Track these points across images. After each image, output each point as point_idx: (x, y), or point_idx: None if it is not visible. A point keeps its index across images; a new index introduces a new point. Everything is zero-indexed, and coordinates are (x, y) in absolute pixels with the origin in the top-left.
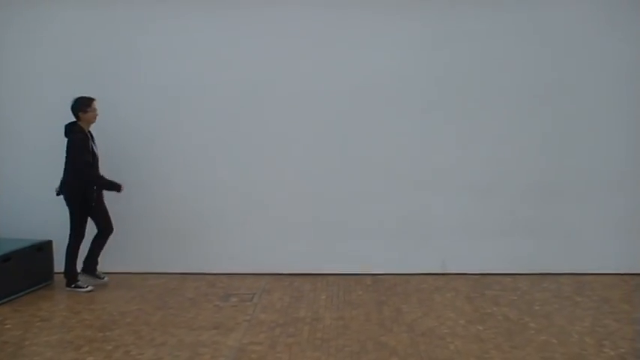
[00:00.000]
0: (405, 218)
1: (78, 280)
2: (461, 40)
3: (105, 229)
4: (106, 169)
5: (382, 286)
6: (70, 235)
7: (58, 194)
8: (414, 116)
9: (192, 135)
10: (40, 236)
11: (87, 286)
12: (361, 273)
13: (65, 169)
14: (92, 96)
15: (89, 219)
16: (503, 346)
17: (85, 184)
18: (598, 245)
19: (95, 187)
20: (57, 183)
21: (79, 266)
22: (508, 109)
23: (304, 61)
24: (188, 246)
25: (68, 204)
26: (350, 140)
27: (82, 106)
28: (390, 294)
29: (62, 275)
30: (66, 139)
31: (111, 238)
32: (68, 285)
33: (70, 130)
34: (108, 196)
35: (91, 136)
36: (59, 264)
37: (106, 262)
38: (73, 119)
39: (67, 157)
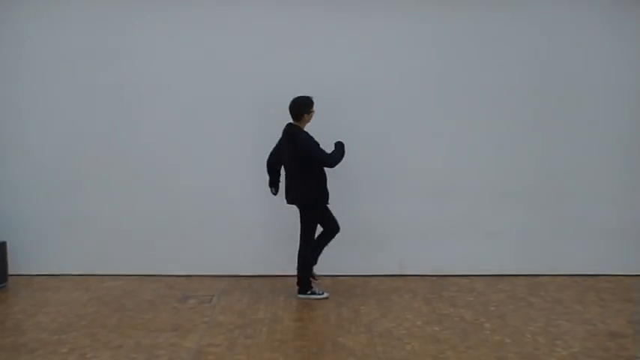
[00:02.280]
0: (364, 220)
1: (312, 288)
2: (429, 42)
3: (334, 229)
4: (62, 169)
5: (341, 288)
6: (304, 242)
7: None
8: (373, 120)
9: (151, 136)
10: None
11: (322, 293)
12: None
13: (296, 176)
14: None
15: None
16: (458, 346)
17: (320, 183)
18: (552, 247)
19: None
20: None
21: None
22: (463, 114)
23: (268, 61)
24: (146, 248)
25: (306, 210)
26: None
27: (307, 107)
28: (349, 295)
29: (17, 278)
30: (288, 145)
31: (62, 239)
32: (303, 292)
33: (295, 131)
34: (59, 198)
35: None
36: (13, 266)
37: (61, 264)
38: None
39: (298, 163)
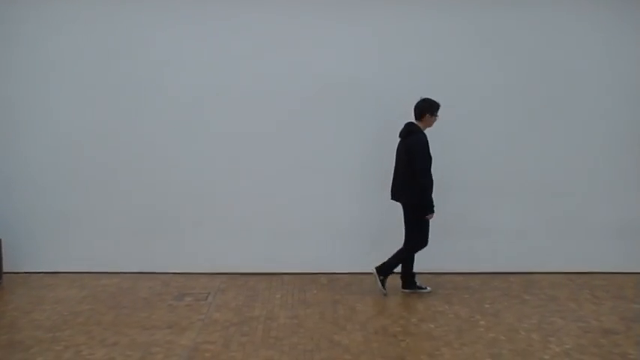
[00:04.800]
0: (360, 218)
1: (417, 282)
2: (429, 40)
3: (423, 242)
4: (57, 166)
5: (337, 285)
6: (416, 239)
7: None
8: (367, 119)
9: (147, 134)
10: None
11: (427, 287)
12: (316, 272)
13: (403, 174)
14: None
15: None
16: (453, 343)
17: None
18: (546, 245)
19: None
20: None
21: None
22: (459, 112)
23: (258, 63)
24: (142, 245)
25: (411, 208)
26: (304, 142)
27: (432, 108)
28: (345, 293)
29: (13, 275)
30: (402, 141)
31: (58, 236)
32: (409, 287)
33: (413, 130)
34: (54, 196)
35: None
36: (8, 263)
37: (56, 262)
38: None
39: (407, 160)
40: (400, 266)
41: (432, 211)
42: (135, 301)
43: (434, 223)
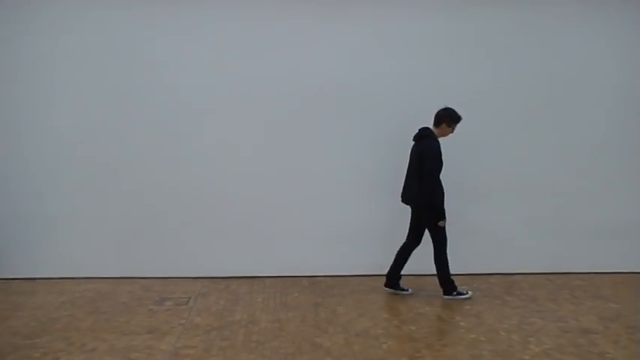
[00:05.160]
0: (343, 220)
1: (457, 287)
2: (417, 42)
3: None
4: (35, 172)
5: (319, 288)
6: (436, 244)
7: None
8: (351, 122)
9: (127, 137)
10: None
11: (468, 292)
12: (298, 275)
13: (414, 177)
14: None
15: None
16: (434, 345)
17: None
18: (527, 246)
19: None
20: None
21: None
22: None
23: (244, 65)
24: (122, 250)
25: (425, 213)
26: (286, 145)
27: (450, 118)
28: (327, 295)
29: None
30: (415, 145)
31: (37, 242)
32: (448, 293)
33: (426, 134)
34: (31, 201)
35: None
36: None
37: (36, 268)
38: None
39: (418, 163)
40: (392, 263)
41: (444, 218)
42: (114, 306)
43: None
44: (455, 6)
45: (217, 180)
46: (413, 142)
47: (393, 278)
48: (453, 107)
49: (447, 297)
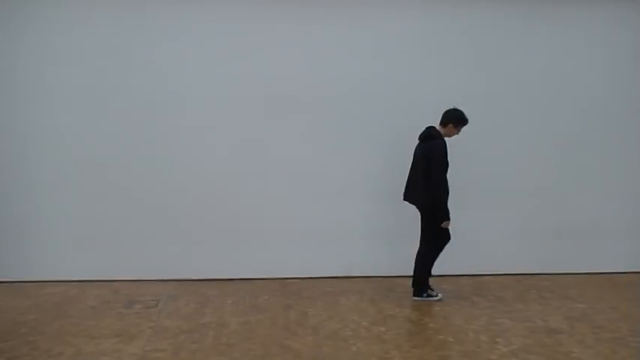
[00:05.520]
0: (312, 223)
1: (429, 289)
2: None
3: (447, 239)
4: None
5: (289, 290)
6: (430, 243)
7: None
8: (320, 123)
9: (96, 139)
10: None
11: (437, 295)
12: (268, 277)
13: (419, 177)
14: None
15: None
16: (403, 346)
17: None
18: (494, 248)
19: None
20: None
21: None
22: (411, 117)
23: (219, 67)
24: (90, 252)
25: (429, 213)
26: (256, 147)
27: (457, 119)
28: (297, 298)
29: None
30: (421, 144)
31: (4, 245)
32: (418, 295)
33: (432, 134)
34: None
35: None
36: None
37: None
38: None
39: (424, 163)
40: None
41: (448, 219)
42: (82, 310)
43: (386, 227)
44: (438, 8)
45: (186, 182)
46: (418, 141)
47: (420, 285)
48: (464, 113)
49: (417, 298)
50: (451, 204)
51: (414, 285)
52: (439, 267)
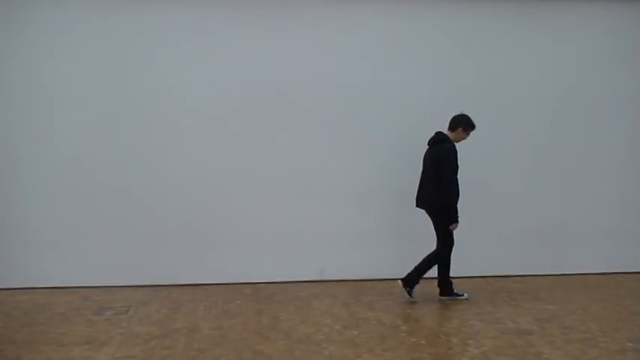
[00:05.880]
0: (283, 227)
1: (455, 289)
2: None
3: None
4: None
5: (261, 295)
6: (442, 245)
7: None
8: (289, 125)
9: (61, 140)
10: None
11: (464, 294)
12: (240, 282)
13: (429, 181)
14: None
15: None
16: (375, 349)
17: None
18: (465, 250)
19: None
20: None
21: None
22: (383, 120)
23: (188, 68)
24: (60, 258)
25: (437, 215)
26: (227, 150)
27: (466, 124)
28: (269, 302)
29: None
30: (430, 149)
31: None
32: (446, 294)
33: (442, 139)
34: None
35: None
36: None
37: None
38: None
39: (434, 167)
40: (437, 272)
41: (456, 221)
42: (51, 317)
43: (358, 230)
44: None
45: (158, 187)
46: (427, 146)
47: (445, 285)
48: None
49: (445, 298)
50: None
51: (439, 285)
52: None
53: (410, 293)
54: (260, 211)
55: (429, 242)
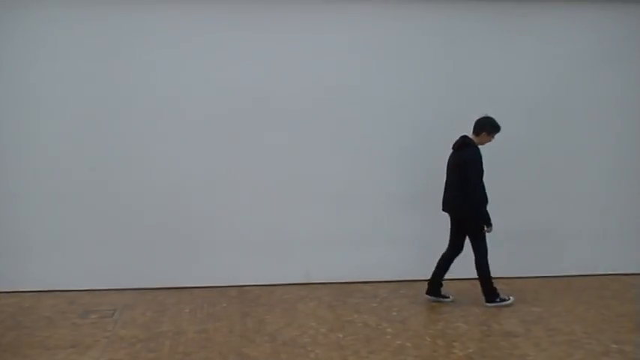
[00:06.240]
0: (269, 229)
1: (499, 294)
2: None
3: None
4: None
5: (247, 298)
6: (477, 252)
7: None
8: (274, 127)
9: (48, 143)
10: None
11: (510, 298)
12: (226, 285)
13: (453, 186)
14: None
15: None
16: (361, 352)
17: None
18: None
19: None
20: None
21: None
22: (364, 121)
23: (175, 71)
24: (45, 262)
25: (465, 221)
26: (213, 153)
27: (490, 127)
28: (254, 305)
29: None
30: (454, 153)
31: None
32: (491, 301)
33: (467, 142)
34: None
35: None
36: None
37: None
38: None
39: (459, 172)
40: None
41: (490, 224)
42: (36, 321)
43: (343, 233)
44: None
45: (143, 190)
46: (452, 150)
47: (434, 286)
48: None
49: (491, 304)
50: (409, 208)
51: (484, 293)
52: (395, 272)
53: (501, 300)
54: (246, 213)
55: (414, 244)
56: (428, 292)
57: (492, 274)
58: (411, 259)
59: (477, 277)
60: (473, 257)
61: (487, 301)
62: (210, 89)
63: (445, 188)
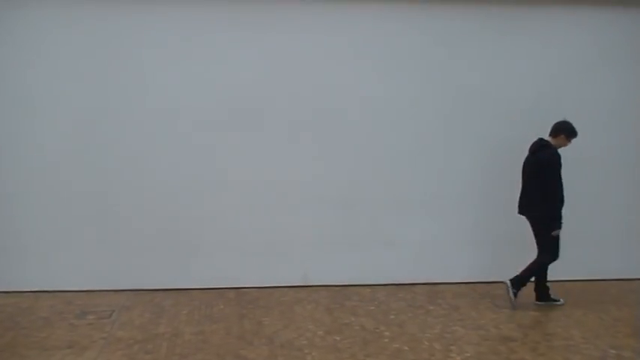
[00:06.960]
0: (267, 232)
1: (551, 295)
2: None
3: (553, 255)
4: None
5: (244, 300)
6: (542, 251)
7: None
8: (274, 132)
9: (44, 144)
10: None
11: (560, 300)
12: (224, 287)
13: (530, 189)
14: None
15: None
16: (358, 355)
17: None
18: (449, 256)
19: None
20: None
21: None
22: (365, 125)
23: (167, 74)
24: (43, 262)
25: (541, 223)
26: (210, 155)
27: (569, 131)
28: (252, 307)
29: None
30: (531, 156)
31: None
32: (543, 300)
33: (545, 145)
34: None
35: None
36: None
37: None
38: None
39: (537, 175)
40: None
41: (560, 227)
42: (34, 321)
43: (341, 236)
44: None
45: (140, 192)
46: (528, 153)
47: (541, 291)
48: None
49: (540, 303)
50: (406, 212)
51: (536, 290)
52: (393, 275)
53: (555, 300)
54: (244, 216)
55: (412, 248)
56: (537, 299)
57: (491, 279)
58: (409, 262)
59: (470, 281)
60: (469, 260)
61: (537, 300)
62: (210, 89)
63: (522, 191)
